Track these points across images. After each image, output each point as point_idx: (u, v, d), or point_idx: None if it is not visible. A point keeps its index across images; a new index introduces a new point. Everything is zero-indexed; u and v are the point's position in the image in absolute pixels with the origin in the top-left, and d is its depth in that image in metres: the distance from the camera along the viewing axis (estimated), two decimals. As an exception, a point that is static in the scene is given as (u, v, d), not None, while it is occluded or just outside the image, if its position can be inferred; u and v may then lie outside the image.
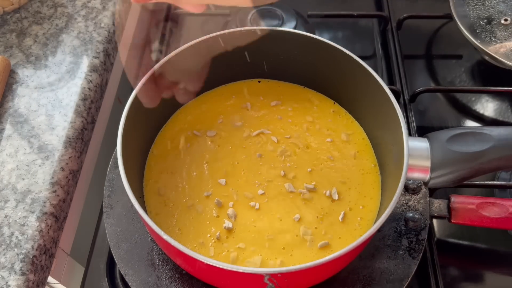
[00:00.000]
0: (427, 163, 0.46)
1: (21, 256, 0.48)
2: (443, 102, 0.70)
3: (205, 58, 0.46)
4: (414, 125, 0.64)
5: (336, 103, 0.59)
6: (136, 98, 0.49)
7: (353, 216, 0.51)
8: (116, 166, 0.56)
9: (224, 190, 0.52)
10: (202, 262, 0.40)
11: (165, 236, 0.41)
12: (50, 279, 0.55)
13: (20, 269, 0.47)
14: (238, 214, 0.50)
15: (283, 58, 0.57)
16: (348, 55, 0.52)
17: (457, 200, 0.53)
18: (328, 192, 0.52)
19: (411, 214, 0.53)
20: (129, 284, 0.50)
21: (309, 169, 0.54)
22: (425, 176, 0.46)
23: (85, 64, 0.61)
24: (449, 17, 0.71)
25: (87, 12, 0.66)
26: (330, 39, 0.53)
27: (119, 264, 0.50)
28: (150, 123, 0.55)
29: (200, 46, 0.49)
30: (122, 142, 0.46)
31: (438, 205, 0.54)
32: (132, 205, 0.43)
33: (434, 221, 0.58)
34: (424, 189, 0.55)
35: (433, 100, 0.70)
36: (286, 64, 0.58)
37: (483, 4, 0.73)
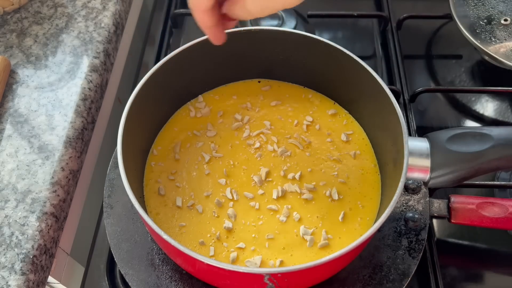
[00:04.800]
0: (427, 163, 0.46)
1: (21, 256, 0.48)
2: (443, 102, 0.70)
3: None
4: (414, 125, 0.64)
5: (336, 103, 0.59)
6: (136, 98, 0.49)
7: (353, 216, 0.51)
8: (116, 166, 0.56)
9: (224, 190, 0.52)
10: (202, 262, 0.40)
11: (165, 236, 0.41)
12: (50, 279, 0.55)
13: (20, 269, 0.47)
14: (238, 214, 0.50)
15: (283, 58, 0.57)
16: (348, 55, 0.52)
17: (457, 200, 0.53)
18: (328, 192, 0.52)
19: (411, 214, 0.53)
20: (129, 284, 0.50)
21: (309, 169, 0.54)
22: (425, 176, 0.46)
23: (85, 64, 0.61)
24: (449, 17, 0.71)
25: (87, 12, 0.66)
26: (330, 39, 0.53)
27: (119, 264, 0.51)
28: (150, 123, 0.55)
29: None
30: (122, 142, 0.46)
31: (438, 205, 0.54)
32: (132, 205, 0.43)
33: (434, 221, 0.58)
34: (424, 189, 0.55)
35: (433, 100, 0.70)
36: (286, 64, 0.58)
37: (483, 4, 0.73)
